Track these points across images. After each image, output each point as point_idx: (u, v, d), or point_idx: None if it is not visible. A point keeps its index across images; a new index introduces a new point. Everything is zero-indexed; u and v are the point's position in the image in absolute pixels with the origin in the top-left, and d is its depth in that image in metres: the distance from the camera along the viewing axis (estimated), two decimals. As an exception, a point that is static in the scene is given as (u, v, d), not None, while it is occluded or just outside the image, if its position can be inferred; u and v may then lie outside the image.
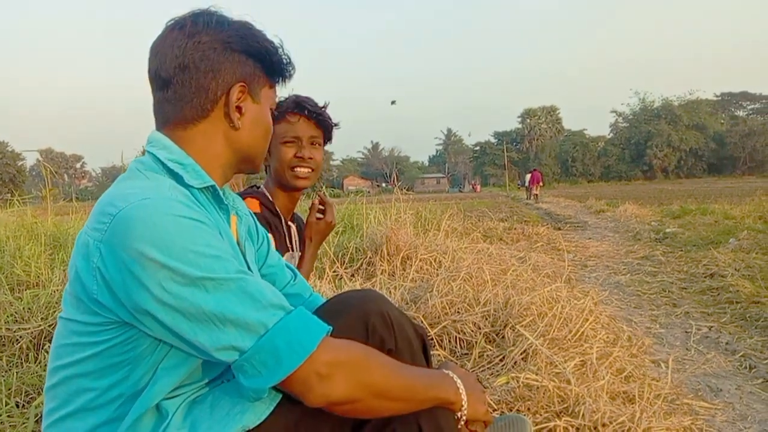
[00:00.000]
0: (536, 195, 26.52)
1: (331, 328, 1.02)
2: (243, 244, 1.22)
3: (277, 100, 1.23)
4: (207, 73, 1.08)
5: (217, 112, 1.10)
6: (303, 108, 1.94)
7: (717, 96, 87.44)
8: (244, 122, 1.13)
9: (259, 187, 2.07)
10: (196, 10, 1.12)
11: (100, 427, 1.00)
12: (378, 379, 1.02)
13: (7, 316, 3.00)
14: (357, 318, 1.16)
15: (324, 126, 2.00)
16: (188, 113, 1.10)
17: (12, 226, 5.05)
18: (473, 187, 72.38)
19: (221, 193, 1.13)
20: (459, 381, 1.17)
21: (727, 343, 3.24)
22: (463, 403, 1.15)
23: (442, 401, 1.13)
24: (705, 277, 5.11)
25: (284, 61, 1.16)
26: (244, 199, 1.77)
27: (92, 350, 0.99)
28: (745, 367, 2.86)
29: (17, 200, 5.81)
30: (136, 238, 0.91)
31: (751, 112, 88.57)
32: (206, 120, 1.10)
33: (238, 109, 1.11)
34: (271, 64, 1.14)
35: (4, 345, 2.85)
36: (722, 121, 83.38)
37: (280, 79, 1.19)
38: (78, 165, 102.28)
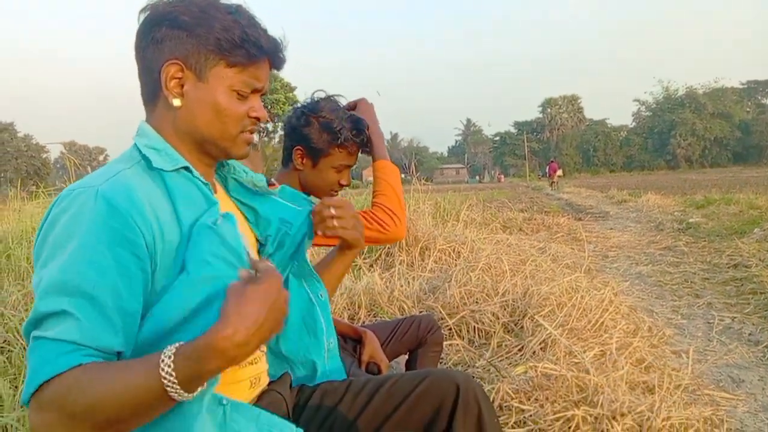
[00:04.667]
0: (553, 182, 27.70)
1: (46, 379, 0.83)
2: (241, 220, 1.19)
3: (259, 81, 1.10)
4: (153, 53, 1.05)
5: (163, 93, 1.06)
6: (364, 145, 1.87)
7: (743, 84, 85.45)
8: (187, 102, 1.06)
9: None
10: None
11: None
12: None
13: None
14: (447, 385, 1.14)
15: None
16: (147, 96, 1.10)
17: (37, 217, 5.13)
18: (498, 178, 71.57)
19: (196, 173, 1.09)
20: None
21: (750, 334, 3.20)
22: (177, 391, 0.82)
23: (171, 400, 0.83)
24: (728, 267, 5.04)
25: (237, 39, 1.03)
26: None
27: None
28: (769, 358, 2.83)
29: (42, 192, 5.90)
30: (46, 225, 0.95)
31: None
32: (159, 101, 1.08)
33: (181, 87, 1.05)
34: (217, 41, 1.03)
35: (20, 335, 2.89)
36: (748, 110, 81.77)
37: (242, 58, 1.06)
38: (101, 158, 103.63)
